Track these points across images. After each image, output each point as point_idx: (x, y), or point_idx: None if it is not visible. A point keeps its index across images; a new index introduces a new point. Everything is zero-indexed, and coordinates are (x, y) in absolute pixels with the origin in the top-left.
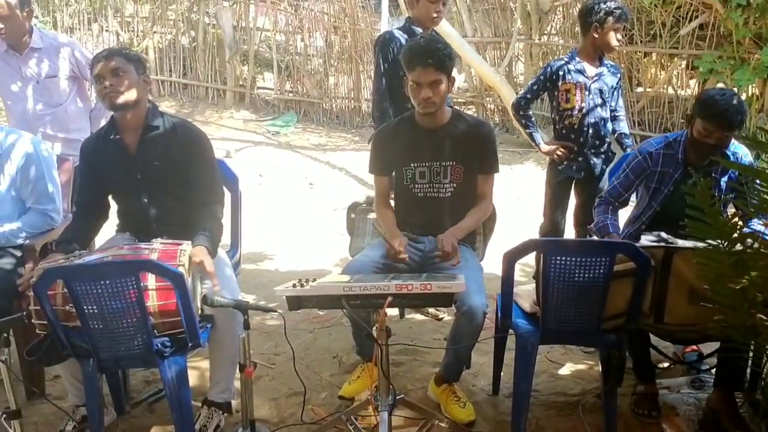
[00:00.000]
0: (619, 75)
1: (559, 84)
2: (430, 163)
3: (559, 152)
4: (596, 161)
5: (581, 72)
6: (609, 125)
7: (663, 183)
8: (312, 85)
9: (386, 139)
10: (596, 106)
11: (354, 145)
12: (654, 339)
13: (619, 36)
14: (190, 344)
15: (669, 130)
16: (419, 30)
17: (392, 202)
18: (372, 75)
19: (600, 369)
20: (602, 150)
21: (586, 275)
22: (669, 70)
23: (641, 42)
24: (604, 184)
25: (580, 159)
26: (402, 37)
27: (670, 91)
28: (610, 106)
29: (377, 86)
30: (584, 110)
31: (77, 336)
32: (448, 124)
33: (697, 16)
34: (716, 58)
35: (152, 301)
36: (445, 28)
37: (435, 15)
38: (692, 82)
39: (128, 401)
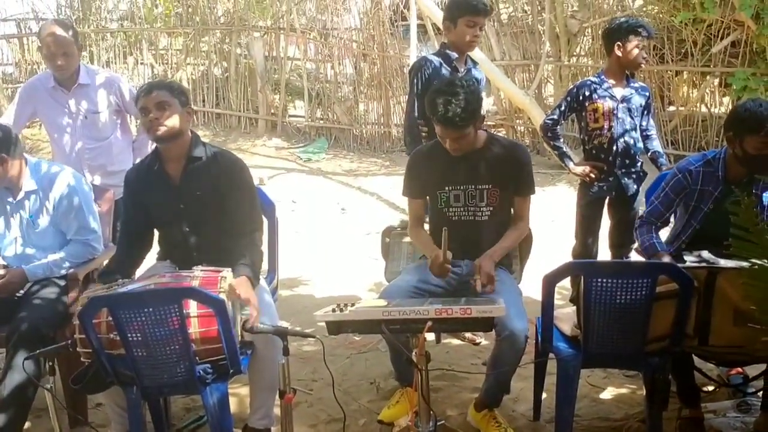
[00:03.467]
0: (648, 94)
1: (587, 104)
2: (465, 186)
3: (592, 174)
4: (627, 181)
5: (609, 92)
6: (639, 144)
7: (703, 201)
8: (342, 112)
9: (420, 162)
10: (625, 125)
11: (384, 170)
12: (698, 361)
13: (644, 53)
14: (231, 371)
15: (703, 149)
16: (454, 55)
17: (427, 227)
18: (401, 101)
19: (643, 393)
20: (633, 170)
21: (628, 297)
22: (701, 88)
23: (672, 60)
24: (639, 204)
25: (610, 179)
26: (436, 60)
27: (703, 109)
28: (641, 125)
29: (410, 111)
30: (613, 129)
31: (121, 364)
32: (482, 147)
33: (728, 34)
34: (750, 75)
35: (194, 328)
36: (473, 52)
37: (471, 39)
38: (725, 100)
39: (169, 428)
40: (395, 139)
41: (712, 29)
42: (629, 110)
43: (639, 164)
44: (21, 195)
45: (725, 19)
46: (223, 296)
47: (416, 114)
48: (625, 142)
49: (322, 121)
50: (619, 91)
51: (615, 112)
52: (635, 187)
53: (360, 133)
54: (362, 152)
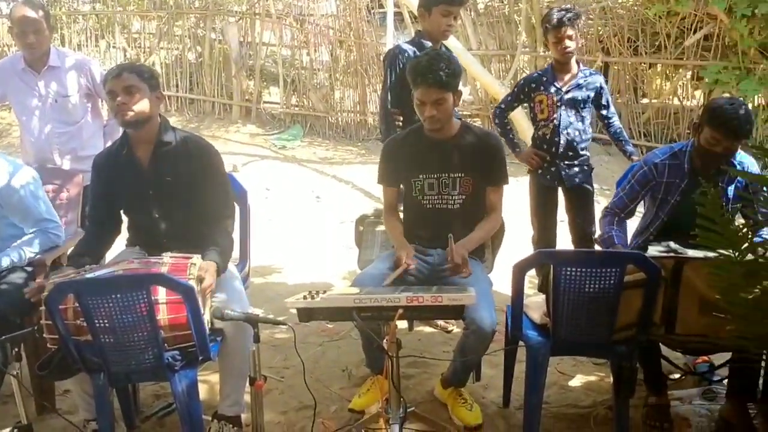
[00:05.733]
0: (599, 82)
1: (534, 95)
2: (438, 174)
3: (532, 160)
4: (568, 173)
5: (553, 83)
6: (585, 137)
7: (670, 193)
8: (318, 99)
9: (395, 150)
10: (570, 117)
11: (360, 158)
12: (665, 350)
13: (566, 44)
14: (200, 357)
15: (675, 141)
16: (429, 44)
17: (401, 215)
18: (378, 89)
19: (611, 380)
20: (576, 162)
21: (597, 286)
22: (674, 81)
23: (646, 53)
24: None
25: (552, 169)
26: (410, 50)
27: (676, 102)
28: (602, 113)
29: (384, 100)
30: (556, 121)
31: (88, 350)
32: (456, 135)
33: (701, 27)
34: (722, 68)
35: (163, 315)
36: (450, 41)
37: (446, 29)
38: (697, 93)
39: (138, 415)
40: (371, 128)
41: (686, 22)
42: (574, 101)
43: (583, 157)
44: None
45: (698, 12)
46: (192, 283)
47: (390, 103)
48: (568, 134)
49: (297, 108)
50: (563, 82)
51: (558, 103)
52: (577, 179)
53: (336, 121)
54: (338, 140)
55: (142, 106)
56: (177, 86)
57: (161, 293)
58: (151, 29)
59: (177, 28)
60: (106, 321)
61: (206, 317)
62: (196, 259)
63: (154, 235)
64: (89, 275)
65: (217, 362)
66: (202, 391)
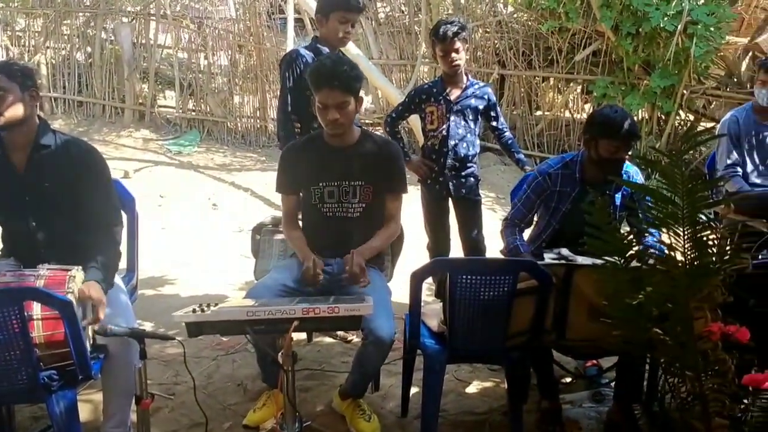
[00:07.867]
0: (486, 96)
1: (424, 107)
2: (339, 182)
3: (420, 169)
4: (455, 183)
5: (443, 95)
6: (473, 149)
7: (561, 202)
8: (216, 104)
9: (294, 158)
10: (458, 128)
11: (260, 165)
12: (556, 355)
13: (453, 56)
14: (80, 377)
15: (566, 152)
16: (326, 50)
17: (300, 223)
18: (278, 95)
19: (506, 386)
20: (463, 173)
21: (491, 293)
22: (565, 94)
23: (539, 67)
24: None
25: (441, 179)
26: (308, 55)
27: (567, 114)
28: (493, 125)
29: (282, 105)
30: (444, 132)
31: None
32: (356, 143)
33: (590, 44)
34: (609, 83)
35: (38, 332)
36: (351, 50)
37: (343, 35)
38: (587, 106)
39: None
40: (271, 134)
41: (576, 38)
42: (463, 113)
43: (470, 169)
44: None
45: (588, 29)
46: (70, 297)
47: (289, 108)
48: (455, 145)
49: (194, 113)
50: (453, 94)
51: (448, 115)
52: (464, 190)
53: (234, 127)
54: (236, 146)
55: (14, 110)
56: (64, 88)
57: (36, 308)
58: (37, 27)
59: (65, 27)
60: None
61: (88, 333)
62: (76, 271)
63: (31, 246)
64: None
65: (100, 380)
66: (85, 411)
